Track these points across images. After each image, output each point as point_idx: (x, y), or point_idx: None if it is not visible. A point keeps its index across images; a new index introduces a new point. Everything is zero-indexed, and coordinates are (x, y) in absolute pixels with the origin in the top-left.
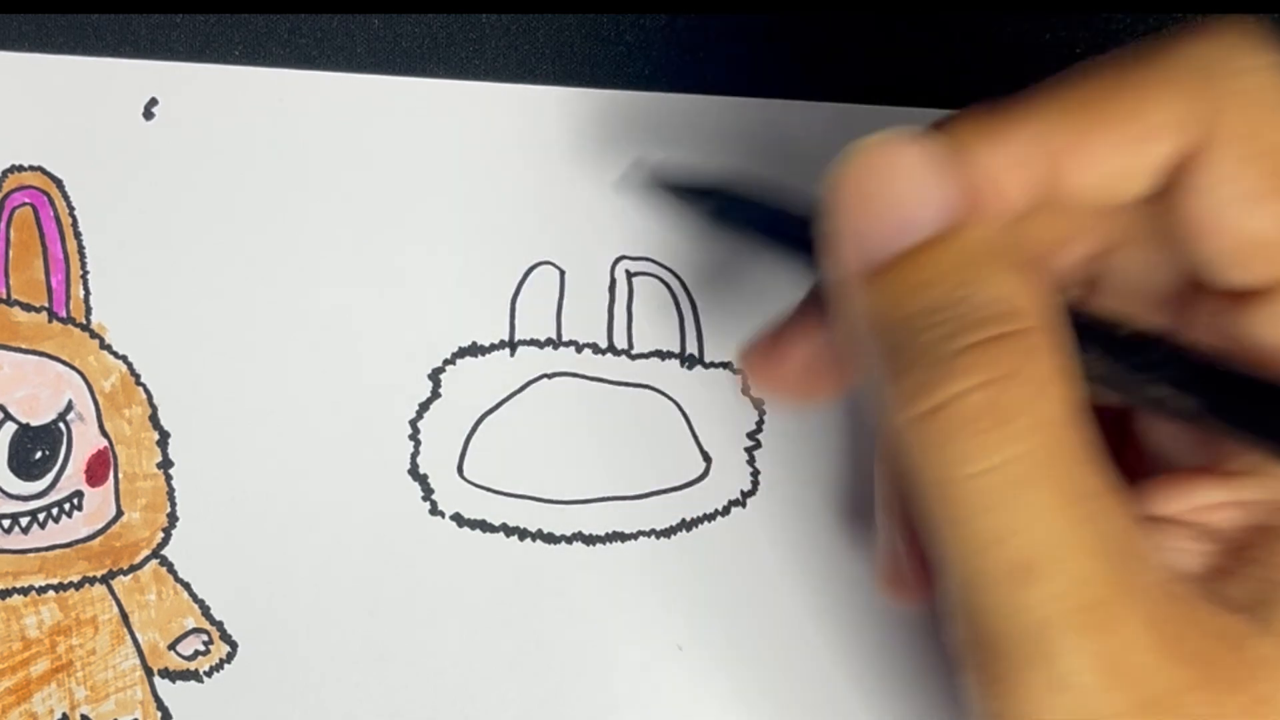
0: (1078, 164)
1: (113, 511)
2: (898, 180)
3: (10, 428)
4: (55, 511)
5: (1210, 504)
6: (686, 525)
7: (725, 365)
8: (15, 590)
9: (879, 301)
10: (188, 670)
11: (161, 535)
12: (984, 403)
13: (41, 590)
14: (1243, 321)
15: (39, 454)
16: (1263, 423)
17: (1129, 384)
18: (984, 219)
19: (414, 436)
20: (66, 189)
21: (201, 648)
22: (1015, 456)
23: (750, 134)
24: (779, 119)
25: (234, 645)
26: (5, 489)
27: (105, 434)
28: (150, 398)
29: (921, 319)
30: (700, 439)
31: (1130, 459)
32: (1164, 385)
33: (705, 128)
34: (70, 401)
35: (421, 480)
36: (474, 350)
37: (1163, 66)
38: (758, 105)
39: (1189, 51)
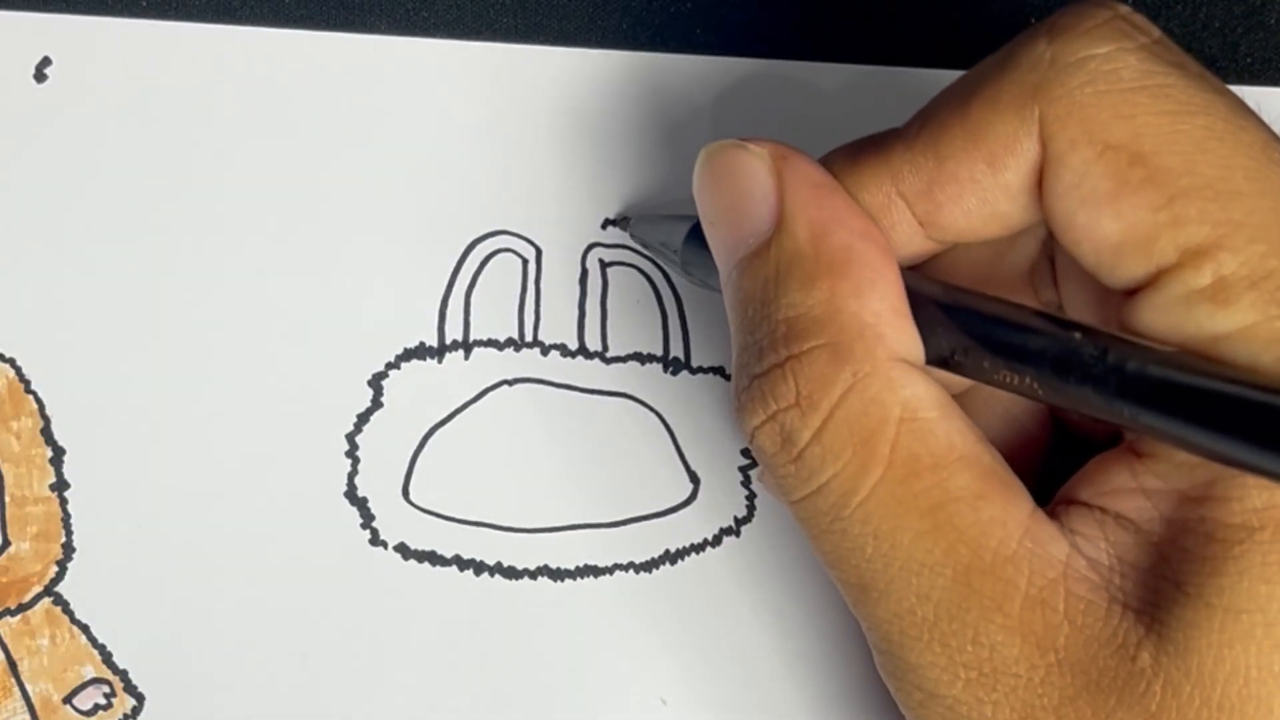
0: (936, 207)
1: None
2: (738, 180)
3: None
4: None
5: (1119, 489)
6: (671, 557)
7: (716, 370)
8: None
9: (733, 299)
10: None
11: (55, 569)
12: (791, 425)
13: None
14: (1138, 314)
15: None
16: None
17: (991, 373)
18: (794, 228)
19: (351, 454)
20: None
21: (102, 700)
22: (834, 476)
23: (740, 95)
24: (769, 80)
25: (140, 698)
26: None
27: None
28: (42, 408)
29: (744, 335)
30: (687, 457)
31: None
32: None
33: (695, 88)
34: None
35: (360, 505)
36: (421, 352)
37: (994, 84)
38: (747, 65)
39: (1019, 58)
